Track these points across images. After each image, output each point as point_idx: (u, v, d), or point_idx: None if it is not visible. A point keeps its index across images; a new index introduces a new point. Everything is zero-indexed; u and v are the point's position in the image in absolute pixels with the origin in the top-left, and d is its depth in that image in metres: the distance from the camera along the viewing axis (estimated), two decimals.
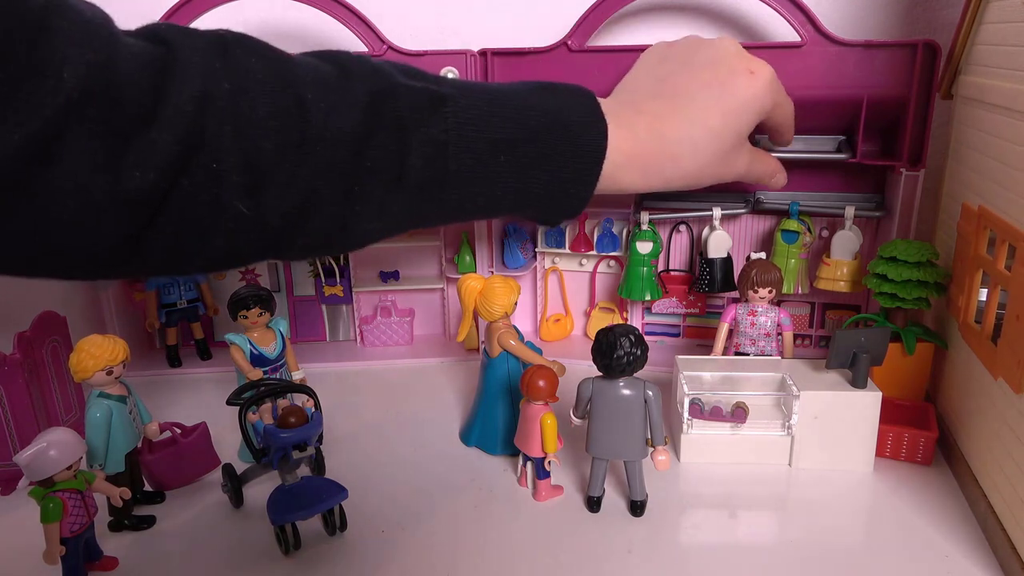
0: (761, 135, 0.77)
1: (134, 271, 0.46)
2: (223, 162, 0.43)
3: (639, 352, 0.63)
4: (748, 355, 0.82)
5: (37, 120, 0.35)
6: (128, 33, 0.44)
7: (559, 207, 0.60)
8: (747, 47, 0.86)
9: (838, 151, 0.87)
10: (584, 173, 0.59)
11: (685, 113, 0.63)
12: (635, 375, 0.65)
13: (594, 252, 1.00)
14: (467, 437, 0.80)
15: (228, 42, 0.46)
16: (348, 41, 0.91)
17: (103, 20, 0.41)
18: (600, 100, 0.61)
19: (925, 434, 0.73)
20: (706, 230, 0.94)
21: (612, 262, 1.03)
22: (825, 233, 0.94)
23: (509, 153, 0.55)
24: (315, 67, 0.49)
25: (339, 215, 0.50)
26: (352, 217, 0.51)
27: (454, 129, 0.52)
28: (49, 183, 0.37)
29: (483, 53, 0.89)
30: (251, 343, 0.78)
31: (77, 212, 0.39)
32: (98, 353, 0.65)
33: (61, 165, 0.37)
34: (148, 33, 0.45)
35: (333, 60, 0.51)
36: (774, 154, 0.86)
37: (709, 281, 0.94)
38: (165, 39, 0.43)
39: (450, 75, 0.74)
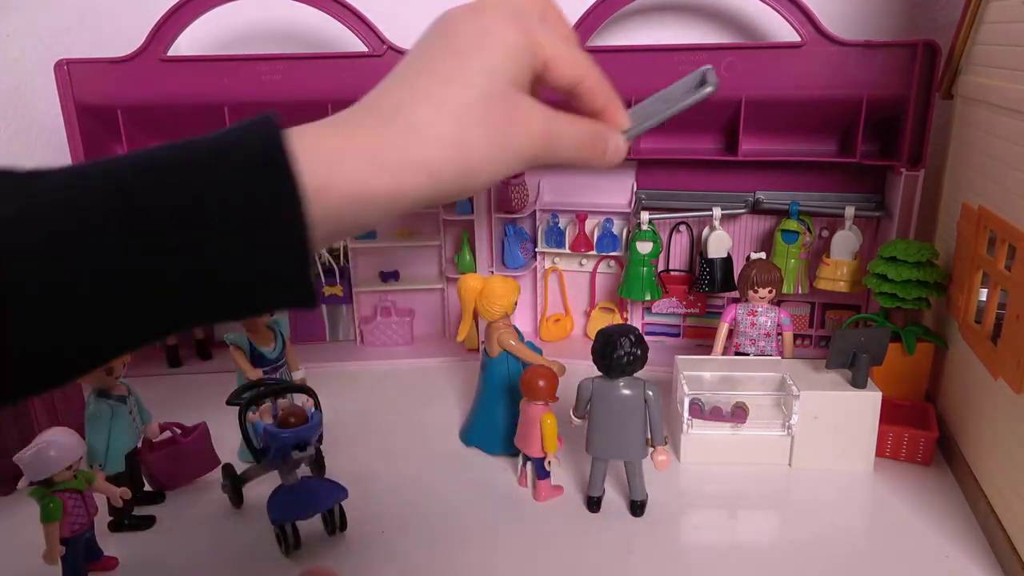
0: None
1: None
2: None
3: (639, 352, 0.63)
4: (748, 355, 0.82)
5: None
6: None
7: (269, 267, 0.33)
8: (747, 47, 0.87)
9: (704, 80, 0.79)
10: (271, 200, 0.33)
11: (412, 78, 0.42)
12: (635, 375, 0.65)
13: (594, 252, 1.00)
14: (467, 437, 0.80)
15: None
16: (348, 41, 0.91)
17: None
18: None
19: (925, 434, 0.73)
20: (706, 230, 0.94)
21: (612, 262, 1.03)
22: (825, 233, 0.94)
23: (142, 212, 0.32)
24: None
25: None
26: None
27: (38, 203, 0.31)
28: None
29: None
30: (251, 343, 0.78)
31: None
32: None
33: None
34: None
35: None
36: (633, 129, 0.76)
37: (709, 281, 0.94)
38: None
39: None
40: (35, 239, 0.31)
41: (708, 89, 0.59)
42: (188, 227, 0.32)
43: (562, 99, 0.43)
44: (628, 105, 0.46)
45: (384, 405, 0.91)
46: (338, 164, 0.37)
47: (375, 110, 0.41)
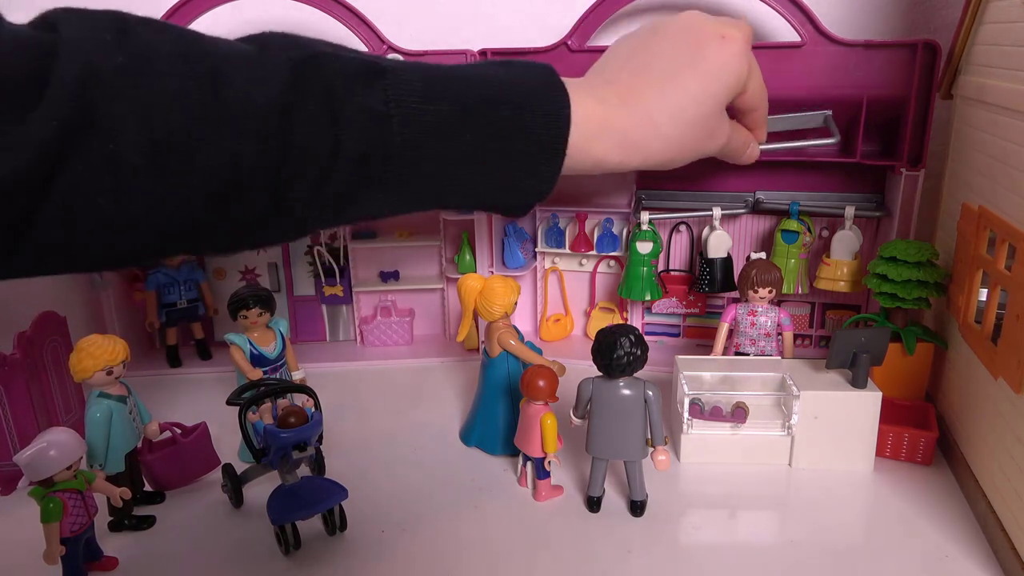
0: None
1: (27, 267, 0.42)
2: (121, 142, 0.38)
3: (639, 352, 0.63)
4: (748, 355, 0.82)
5: None
6: (19, 25, 0.40)
7: (523, 186, 0.53)
8: None
9: (824, 125, 0.85)
10: (548, 144, 0.52)
11: (659, 79, 0.58)
12: (635, 375, 0.65)
13: (594, 252, 1.00)
14: (467, 437, 0.80)
15: (128, 19, 0.41)
16: (348, 41, 0.91)
17: None
18: (565, 79, 0.55)
19: (925, 434, 0.73)
20: (706, 230, 0.94)
21: (612, 262, 1.03)
22: (825, 233, 0.94)
23: (461, 125, 0.49)
24: (231, 43, 0.44)
25: (265, 199, 0.44)
26: (281, 200, 0.45)
27: (395, 101, 0.46)
28: None
29: (483, 53, 0.89)
30: (251, 343, 0.78)
31: None
32: (98, 353, 0.65)
33: None
34: (38, 20, 0.41)
35: (253, 38, 0.46)
36: (763, 146, 0.85)
37: (709, 281, 0.94)
38: (53, 23, 0.39)
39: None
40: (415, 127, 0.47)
41: (832, 140, 0.82)
42: (494, 139, 0.50)
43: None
44: None
45: (384, 405, 0.91)
46: (596, 137, 0.55)
47: (622, 91, 0.57)
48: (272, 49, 0.45)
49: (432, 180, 0.50)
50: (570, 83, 0.54)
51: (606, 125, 0.55)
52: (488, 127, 0.50)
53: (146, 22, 0.42)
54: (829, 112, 0.84)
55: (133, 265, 0.44)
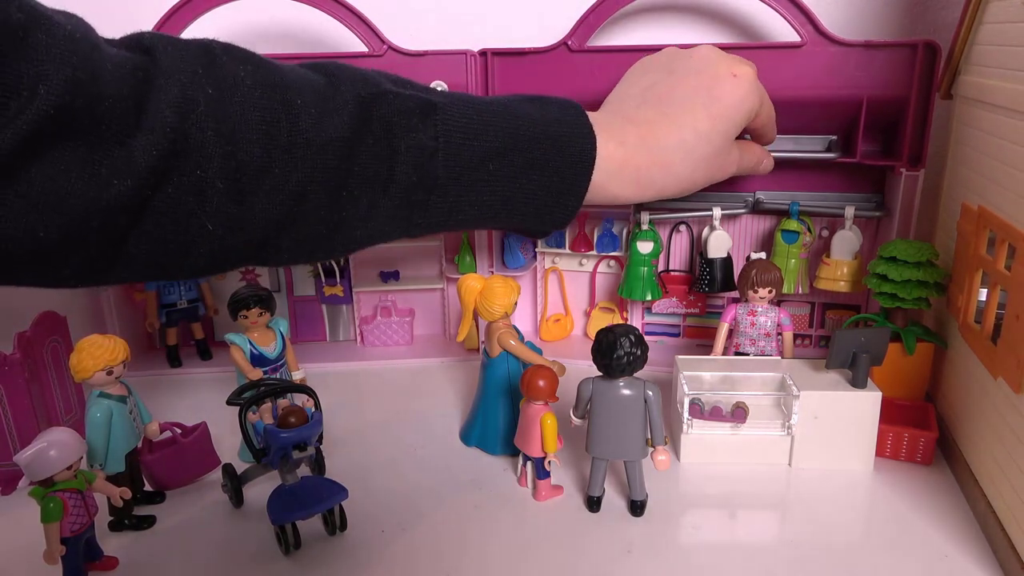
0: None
1: (121, 277, 0.46)
2: (208, 168, 0.43)
3: (639, 352, 0.63)
4: (748, 355, 0.82)
5: (5, 135, 0.35)
6: (112, 43, 0.43)
7: (549, 216, 0.60)
8: (747, 47, 0.87)
9: (828, 150, 0.87)
10: (573, 182, 0.59)
11: (674, 119, 0.64)
12: (635, 375, 0.65)
13: (594, 252, 1.00)
14: (467, 437, 0.80)
15: (214, 49, 0.45)
16: (348, 41, 0.91)
17: (85, 32, 0.40)
18: (588, 113, 0.61)
19: (925, 434, 0.73)
20: (706, 230, 0.94)
21: (612, 262, 1.03)
22: (825, 233, 0.94)
23: (499, 161, 0.55)
24: (303, 74, 0.49)
25: (327, 220, 0.50)
26: (340, 222, 0.51)
27: (444, 136, 0.52)
28: (22, 195, 0.37)
29: (483, 53, 0.89)
30: (251, 343, 0.78)
31: (56, 221, 0.39)
32: (98, 353, 0.65)
33: (33, 179, 0.37)
34: (132, 42, 0.44)
35: (321, 69, 0.51)
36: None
37: (709, 281, 0.94)
38: (149, 48, 0.43)
39: (439, 88, 0.75)
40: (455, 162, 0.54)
41: (831, 155, 0.87)
42: (525, 176, 0.57)
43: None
44: None
45: (384, 405, 0.91)
46: (615, 175, 0.61)
47: (642, 132, 0.63)
48: (341, 83, 0.50)
49: (468, 207, 0.56)
50: (595, 121, 0.60)
51: (625, 165, 0.61)
52: (522, 163, 0.56)
53: (228, 49, 0.46)
54: (834, 137, 0.86)
55: (209, 275, 0.51)
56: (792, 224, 0.89)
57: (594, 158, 0.59)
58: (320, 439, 0.68)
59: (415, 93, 0.53)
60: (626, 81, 0.72)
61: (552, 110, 0.59)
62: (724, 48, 0.85)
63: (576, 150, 0.58)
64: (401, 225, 0.55)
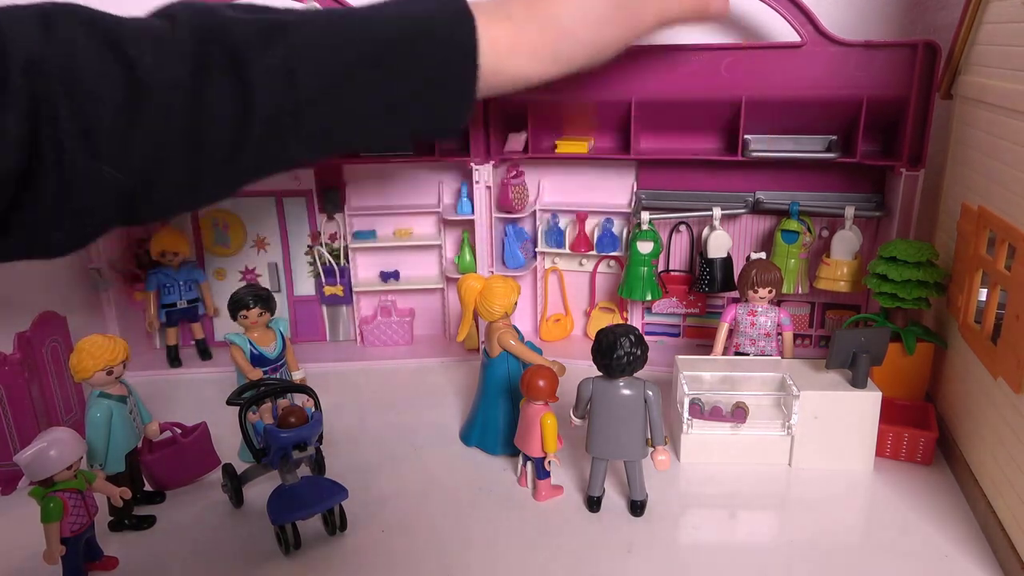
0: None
1: (8, 250, 0.47)
2: (63, 131, 0.43)
3: (639, 352, 0.63)
4: (748, 355, 0.82)
5: None
6: None
7: (443, 113, 0.56)
8: (747, 47, 0.87)
9: (828, 150, 0.87)
10: (458, 72, 0.55)
11: None
12: (635, 375, 0.65)
13: (594, 252, 1.00)
14: (467, 437, 0.80)
15: (50, 12, 0.45)
16: None
17: None
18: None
19: (925, 434, 0.73)
20: (706, 230, 0.94)
21: (612, 262, 1.03)
22: (825, 233, 0.94)
23: (367, 69, 0.51)
24: (143, 24, 0.48)
25: (190, 165, 0.48)
26: (207, 163, 0.49)
27: (298, 56, 0.49)
28: None
29: None
30: (251, 343, 0.78)
31: None
32: (98, 353, 0.65)
33: None
34: None
35: (166, 11, 0.50)
36: (768, 153, 0.86)
37: (709, 281, 0.94)
38: None
39: (312, 6, 0.69)
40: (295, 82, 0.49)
41: (831, 155, 0.85)
42: (403, 77, 0.53)
43: None
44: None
45: (384, 405, 0.91)
46: (507, 58, 0.57)
47: (538, 13, 0.58)
48: (178, 24, 0.48)
49: (348, 123, 0.52)
50: (475, 5, 0.55)
51: (517, 42, 0.57)
52: (398, 67, 0.52)
53: (66, 12, 0.45)
54: (834, 137, 0.85)
55: (92, 240, 0.49)
56: (792, 224, 0.89)
57: (475, 43, 0.55)
58: (320, 439, 0.68)
59: (260, 17, 0.50)
60: None
61: (423, 3, 0.55)
62: (724, 48, 0.86)
63: (453, 38, 0.54)
64: (276, 157, 0.52)
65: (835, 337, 0.72)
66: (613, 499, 0.69)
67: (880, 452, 0.73)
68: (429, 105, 0.55)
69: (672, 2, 0.65)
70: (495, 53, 0.56)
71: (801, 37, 0.82)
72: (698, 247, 0.98)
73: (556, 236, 1.01)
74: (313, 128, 0.51)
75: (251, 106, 0.48)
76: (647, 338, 0.66)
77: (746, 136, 0.87)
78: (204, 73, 0.47)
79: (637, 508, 0.67)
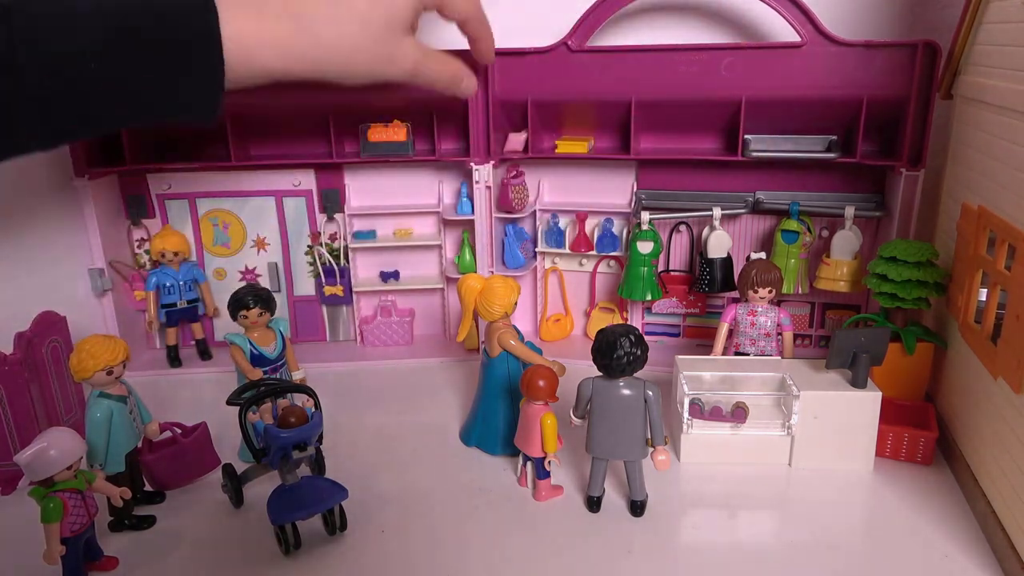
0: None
1: None
2: None
3: (639, 352, 0.63)
4: (748, 355, 0.82)
5: None
6: None
7: (188, 104, 0.55)
8: (747, 47, 0.87)
9: (828, 150, 0.87)
10: (201, 65, 0.54)
11: None
12: (635, 375, 0.65)
13: (594, 252, 1.00)
14: (467, 437, 0.80)
15: None
16: None
17: None
18: None
19: (925, 434, 0.73)
20: (706, 230, 0.94)
21: (612, 262, 1.03)
22: (825, 233, 0.94)
23: (102, 58, 0.49)
24: None
25: None
26: None
27: (22, 44, 0.46)
28: None
29: None
30: (251, 343, 0.78)
31: None
32: (98, 353, 0.65)
33: None
34: None
35: None
36: (768, 153, 0.86)
37: (709, 281, 0.94)
38: None
39: None
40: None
41: (831, 155, 0.83)
42: (147, 60, 0.50)
43: None
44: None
45: (384, 405, 0.91)
46: (255, 51, 0.56)
47: (295, 14, 0.58)
48: None
49: (87, 113, 0.50)
50: (223, 10, 0.54)
51: (263, 38, 0.57)
52: (132, 55, 0.50)
53: None
54: (834, 137, 0.85)
55: None
56: (792, 224, 0.89)
57: (218, 33, 0.54)
58: (320, 439, 0.68)
59: None
60: None
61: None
62: (723, 48, 0.86)
63: (194, 29, 0.53)
64: (7, 144, 0.49)
65: (835, 337, 0.72)
66: (613, 499, 0.69)
67: (880, 452, 0.73)
68: (172, 96, 0.54)
69: (431, 64, 0.69)
70: (242, 47, 0.55)
71: (801, 37, 0.82)
72: (698, 247, 0.98)
73: (556, 236, 1.01)
74: (47, 118, 0.49)
75: None
76: (647, 338, 0.66)
77: (746, 136, 0.87)
78: None
79: (637, 508, 0.67)
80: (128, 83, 0.51)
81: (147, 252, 0.99)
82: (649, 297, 0.95)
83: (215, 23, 0.54)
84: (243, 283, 1.04)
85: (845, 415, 0.72)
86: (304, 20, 0.60)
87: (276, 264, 1.05)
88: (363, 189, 1.02)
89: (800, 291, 0.92)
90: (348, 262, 1.04)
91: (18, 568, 0.62)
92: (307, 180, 1.01)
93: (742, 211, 0.93)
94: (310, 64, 0.62)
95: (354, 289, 1.05)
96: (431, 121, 0.95)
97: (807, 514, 0.68)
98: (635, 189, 0.98)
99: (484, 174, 0.95)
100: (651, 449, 0.66)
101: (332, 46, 0.62)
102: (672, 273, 1.01)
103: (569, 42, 0.88)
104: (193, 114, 0.57)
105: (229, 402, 0.68)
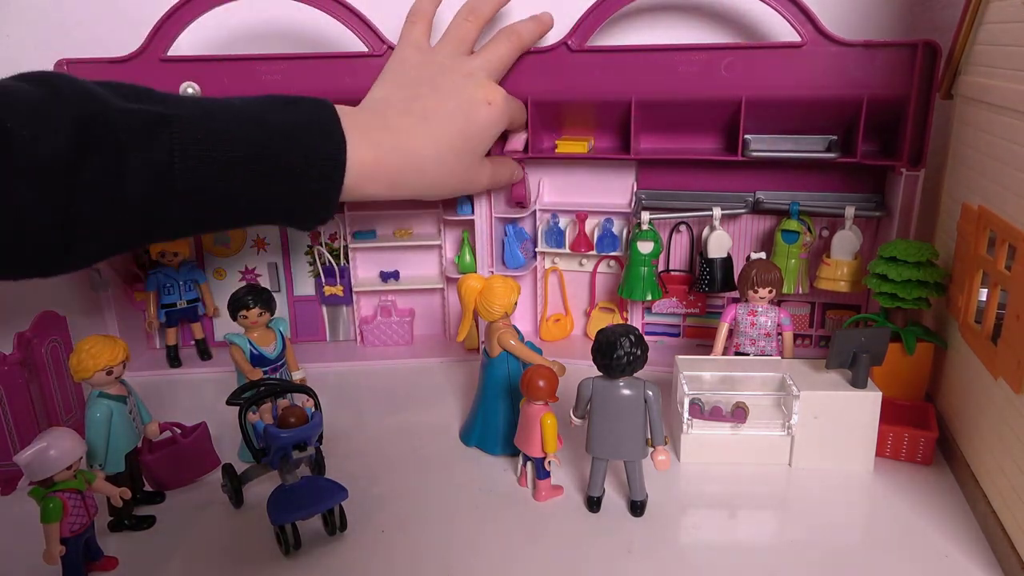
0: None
1: None
2: None
3: (639, 352, 0.63)
4: (748, 355, 0.82)
5: None
6: None
7: (304, 217, 0.64)
8: (747, 47, 0.87)
9: (828, 150, 0.87)
10: (326, 186, 0.62)
11: (432, 134, 0.72)
12: (635, 375, 0.65)
13: (594, 252, 1.00)
14: (467, 437, 0.80)
15: None
16: (348, 41, 0.91)
17: None
18: (348, 111, 0.65)
19: (925, 434, 0.73)
20: (706, 230, 0.94)
21: (612, 262, 1.03)
22: (825, 233, 0.94)
23: (242, 170, 0.56)
24: (23, 92, 0.50)
25: (57, 238, 0.51)
26: (72, 239, 0.52)
27: (179, 150, 0.53)
28: None
29: None
30: (251, 343, 0.78)
31: None
32: (98, 353, 0.65)
33: None
34: None
35: (46, 82, 0.52)
36: (769, 153, 0.87)
37: (709, 281, 0.94)
38: None
39: (190, 91, 0.79)
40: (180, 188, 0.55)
41: (831, 155, 0.85)
42: (274, 183, 0.59)
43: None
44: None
45: (384, 405, 0.91)
46: (369, 179, 0.66)
47: (399, 138, 0.69)
48: (59, 101, 0.50)
49: (216, 215, 0.58)
50: (349, 125, 0.63)
51: (378, 169, 0.67)
52: (268, 170, 0.58)
53: None
54: (834, 137, 0.85)
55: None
56: (792, 224, 0.89)
57: (344, 162, 0.62)
58: (320, 439, 0.68)
59: (145, 108, 0.53)
60: (393, 81, 0.77)
61: (303, 114, 0.61)
62: (723, 48, 0.86)
63: (326, 155, 0.61)
64: (140, 237, 0.58)
65: (835, 337, 0.72)
66: (613, 499, 0.69)
67: (880, 452, 0.73)
68: (293, 209, 0.63)
69: (499, 174, 0.85)
70: (359, 175, 0.64)
71: (801, 37, 0.82)
72: (698, 247, 0.98)
73: (556, 236, 1.01)
74: (183, 216, 0.57)
75: (127, 193, 0.52)
76: (647, 338, 0.66)
77: (746, 136, 0.87)
78: (86, 156, 0.50)
79: (637, 508, 0.67)
80: (259, 196, 0.59)
81: (147, 252, 0.99)
82: (649, 297, 0.95)
83: (343, 154, 0.62)
84: (243, 283, 1.04)
85: (845, 415, 0.72)
86: (413, 158, 0.70)
87: (276, 264, 1.05)
88: None
89: (800, 291, 0.92)
90: (348, 262, 1.04)
91: (18, 568, 0.62)
92: None
93: (742, 211, 0.93)
94: (410, 192, 0.74)
95: (354, 289, 1.05)
96: None
97: (807, 514, 0.68)
98: (635, 189, 0.98)
99: None
100: (651, 449, 0.66)
101: (432, 180, 0.74)
102: (672, 273, 1.01)
103: (569, 42, 0.88)
104: (299, 225, 0.67)
105: (229, 402, 0.68)
